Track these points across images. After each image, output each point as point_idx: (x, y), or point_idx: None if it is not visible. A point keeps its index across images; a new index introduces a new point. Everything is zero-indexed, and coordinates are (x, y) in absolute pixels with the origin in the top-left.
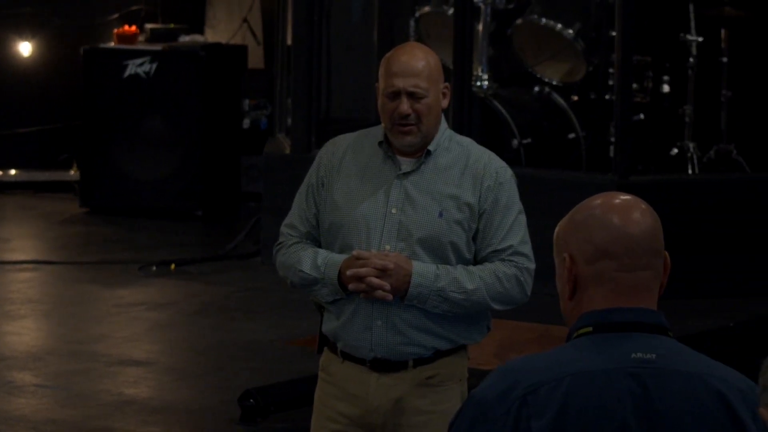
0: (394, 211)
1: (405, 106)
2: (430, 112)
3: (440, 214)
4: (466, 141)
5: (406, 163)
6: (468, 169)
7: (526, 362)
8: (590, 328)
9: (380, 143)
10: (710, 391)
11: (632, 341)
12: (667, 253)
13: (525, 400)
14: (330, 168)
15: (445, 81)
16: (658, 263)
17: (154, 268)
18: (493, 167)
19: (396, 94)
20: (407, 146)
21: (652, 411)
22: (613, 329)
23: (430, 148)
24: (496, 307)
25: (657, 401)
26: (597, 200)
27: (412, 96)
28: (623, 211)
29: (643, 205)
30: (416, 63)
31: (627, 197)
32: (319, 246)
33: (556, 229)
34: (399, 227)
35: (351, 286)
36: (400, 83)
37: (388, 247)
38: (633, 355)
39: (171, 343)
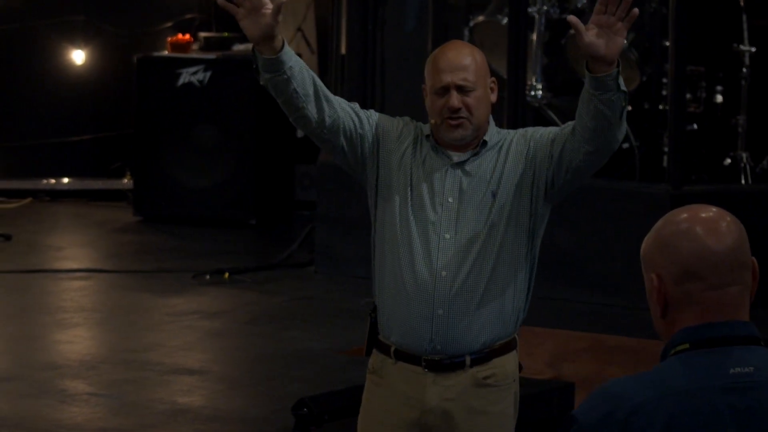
0: (450, 200)
1: (455, 99)
2: (480, 105)
3: (493, 195)
4: (506, 130)
5: (457, 155)
6: (507, 144)
7: (627, 383)
8: (687, 345)
9: (427, 137)
10: None
11: (729, 356)
12: (754, 259)
13: (628, 422)
14: (394, 142)
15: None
16: (746, 276)
17: (208, 276)
18: (520, 131)
19: (445, 89)
20: (459, 140)
21: (755, 425)
22: (709, 345)
23: (486, 138)
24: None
25: (759, 415)
26: (682, 215)
27: (462, 89)
28: (709, 228)
29: (729, 218)
30: (463, 58)
31: (712, 211)
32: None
33: (643, 246)
34: (457, 216)
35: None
36: (448, 78)
37: (447, 236)
38: (731, 371)
39: (224, 352)
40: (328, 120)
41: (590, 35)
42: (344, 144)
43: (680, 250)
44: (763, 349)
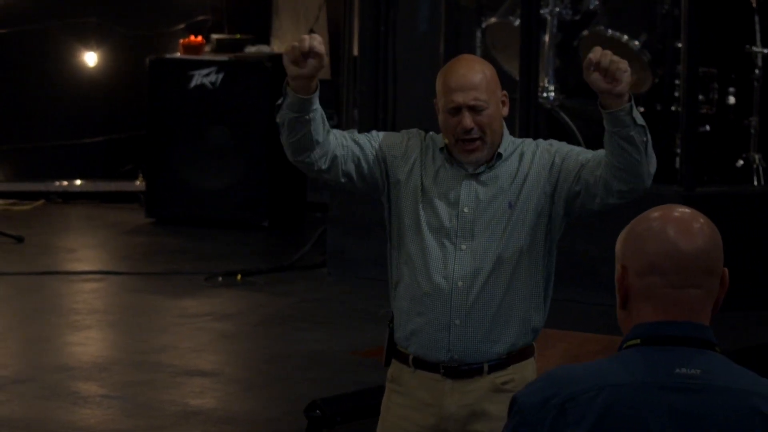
0: (466, 210)
1: (467, 120)
2: (493, 122)
3: (510, 205)
4: (520, 139)
5: (473, 167)
6: (530, 156)
7: (570, 371)
8: (638, 341)
9: (441, 149)
10: (751, 409)
11: (678, 356)
12: (726, 270)
13: (563, 408)
14: (400, 160)
15: (503, 89)
16: (711, 282)
17: (220, 278)
18: (543, 143)
19: (457, 110)
20: (474, 163)
21: (690, 427)
22: (659, 342)
23: (501, 150)
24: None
25: (696, 417)
26: (656, 213)
27: (474, 109)
28: (680, 227)
29: (702, 220)
30: (473, 76)
31: (686, 212)
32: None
33: (618, 239)
34: (472, 226)
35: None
36: (459, 98)
37: (463, 246)
38: (677, 370)
39: (236, 354)
40: (325, 165)
41: (591, 74)
42: (350, 179)
43: (648, 244)
44: (715, 355)
